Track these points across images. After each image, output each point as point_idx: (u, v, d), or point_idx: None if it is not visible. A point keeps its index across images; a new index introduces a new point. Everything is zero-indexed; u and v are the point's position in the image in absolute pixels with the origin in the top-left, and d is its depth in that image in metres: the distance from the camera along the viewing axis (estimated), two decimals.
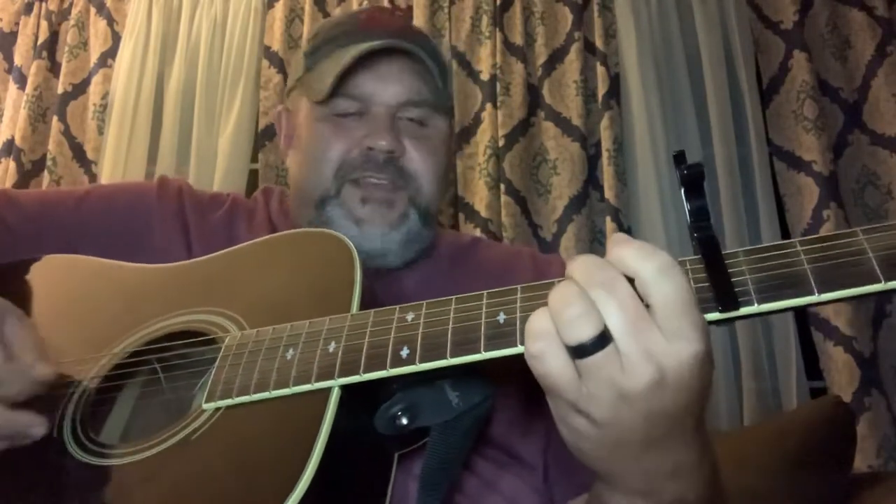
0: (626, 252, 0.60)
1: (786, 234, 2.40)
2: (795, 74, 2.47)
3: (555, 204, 2.46)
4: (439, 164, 1.14)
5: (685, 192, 0.59)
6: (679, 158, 0.60)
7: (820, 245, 0.63)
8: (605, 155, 2.44)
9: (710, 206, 0.60)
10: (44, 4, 2.83)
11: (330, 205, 1.10)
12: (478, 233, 2.41)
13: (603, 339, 0.59)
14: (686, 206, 0.59)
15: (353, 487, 0.76)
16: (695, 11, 2.59)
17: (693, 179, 0.59)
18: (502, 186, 2.44)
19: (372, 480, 0.78)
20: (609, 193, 2.40)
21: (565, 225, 2.42)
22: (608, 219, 2.38)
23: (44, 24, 2.80)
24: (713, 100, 2.49)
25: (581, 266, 0.61)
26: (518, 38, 2.59)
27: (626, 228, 2.37)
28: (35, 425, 0.82)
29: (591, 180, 2.48)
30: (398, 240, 1.09)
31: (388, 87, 1.11)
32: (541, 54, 2.59)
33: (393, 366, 0.72)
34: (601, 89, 2.50)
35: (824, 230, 2.28)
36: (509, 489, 0.98)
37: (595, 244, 2.44)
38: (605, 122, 2.46)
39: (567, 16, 2.60)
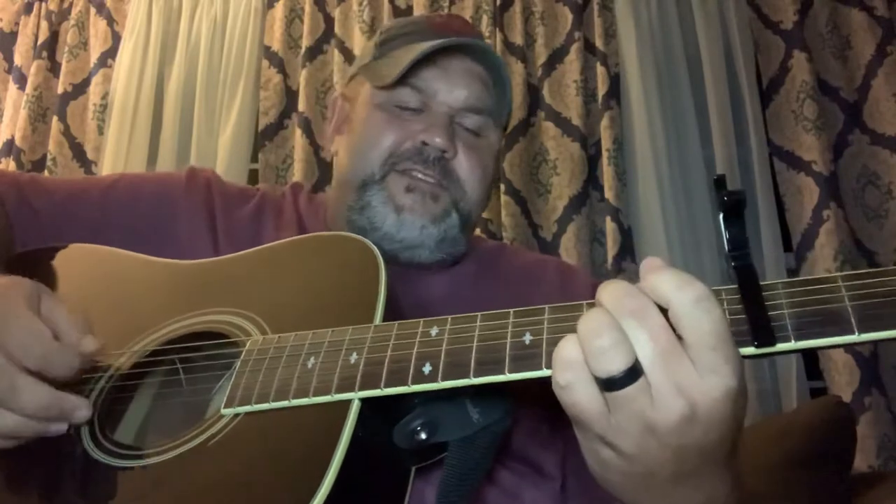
0: (660, 280, 0.58)
1: (786, 234, 2.41)
2: (795, 74, 2.48)
3: (555, 204, 2.47)
4: (486, 176, 1.14)
5: (724, 218, 0.57)
6: (719, 183, 0.58)
7: (862, 281, 0.60)
8: (605, 155, 2.44)
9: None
10: (44, 4, 2.83)
11: (371, 189, 1.09)
12: (477, 233, 2.41)
13: (633, 371, 0.57)
14: (724, 234, 0.57)
15: (369, 500, 0.76)
16: (695, 11, 2.60)
17: (733, 206, 0.57)
18: (502, 186, 2.45)
19: (388, 493, 0.78)
20: (609, 193, 2.40)
21: (565, 225, 2.42)
22: (608, 219, 2.39)
23: (44, 24, 2.80)
24: (713, 100, 2.50)
25: (612, 293, 0.59)
26: (518, 38, 2.60)
27: (626, 228, 2.38)
28: (80, 407, 0.81)
29: (591, 180, 2.49)
30: (435, 235, 1.08)
31: (453, 87, 1.11)
32: (541, 54, 2.59)
33: (415, 382, 0.70)
34: (601, 89, 2.51)
35: (824, 230, 2.30)
36: (531, 500, 0.97)
37: (595, 244, 2.45)
38: (605, 122, 2.46)
39: (567, 16, 2.61)
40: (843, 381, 2.18)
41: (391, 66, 1.10)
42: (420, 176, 1.08)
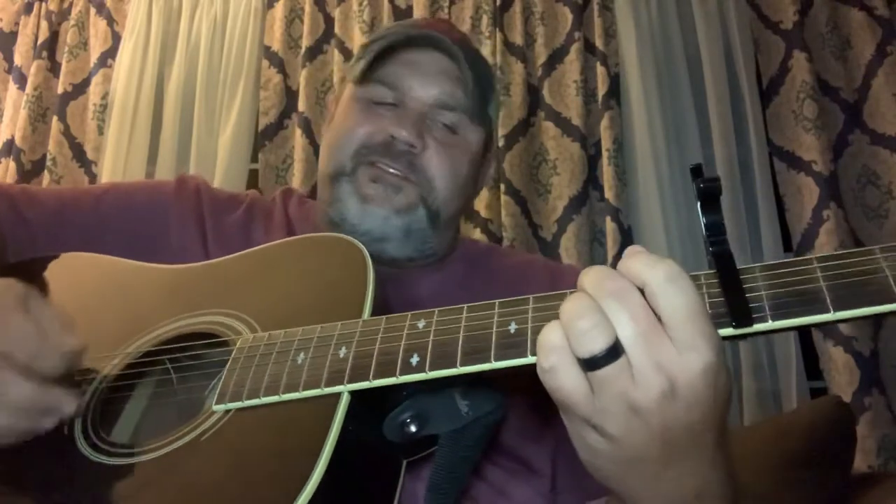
0: (633, 262, 0.60)
1: (786, 234, 2.41)
2: (795, 74, 2.47)
3: (555, 204, 2.47)
4: (458, 173, 1.13)
5: (701, 205, 0.59)
6: (696, 172, 0.59)
7: (837, 262, 0.62)
8: (605, 155, 2.44)
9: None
10: (44, 4, 2.83)
11: (341, 182, 1.10)
12: (478, 233, 2.42)
13: (615, 350, 0.58)
14: (702, 221, 0.59)
15: (360, 493, 0.76)
16: (695, 11, 2.59)
17: (710, 193, 0.58)
18: (502, 186, 2.45)
19: (379, 487, 0.78)
20: (609, 193, 2.40)
21: (565, 225, 2.42)
22: (608, 219, 2.38)
23: (44, 24, 2.80)
24: (713, 100, 2.49)
25: (592, 277, 0.60)
26: (518, 38, 2.59)
27: (626, 228, 2.38)
28: (66, 402, 0.81)
29: (591, 180, 2.48)
30: (399, 227, 1.07)
31: (425, 84, 1.11)
32: (541, 54, 2.59)
33: (403, 373, 0.71)
34: (601, 89, 2.50)
35: (824, 230, 2.29)
36: (520, 496, 0.97)
37: (595, 244, 2.45)
38: (605, 122, 2.46)
39: (567, 16, 2.60)
40: (843, 381, 2.18)
41: (362, 63, 1.12)
42: (388, 169, 1.08)
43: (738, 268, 0.61)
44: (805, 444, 1.67)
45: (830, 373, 2.22)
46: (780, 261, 0.64)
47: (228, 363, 0.83)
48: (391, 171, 1.08)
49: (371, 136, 1.10)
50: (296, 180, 2.50)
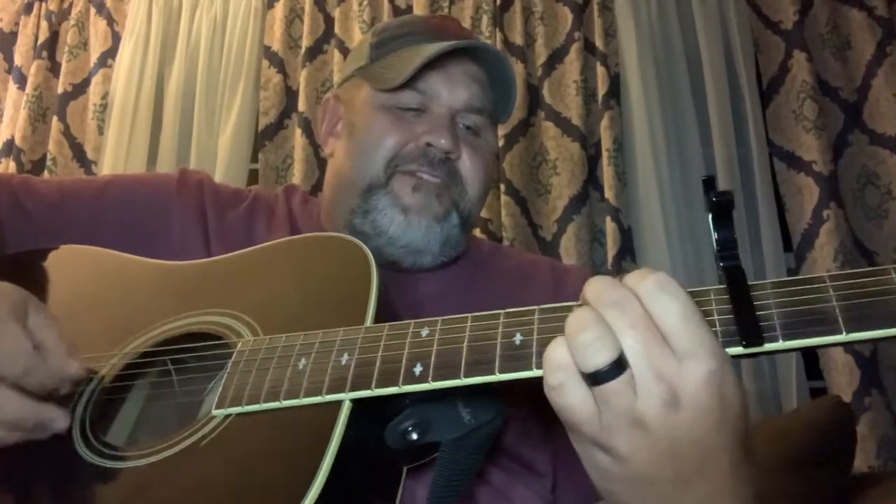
0: (626, 277, 0.60)
1: (786, 234, 2.40)
2: (795, 74, 2.48)
3: (555, 204, 2.47)
4: (487, 176, 1.15)
5: (713, 220, 0.58)
6: (709, 184, 0.58)
7: (850, 282, 0.60)
8: (605, 155, 2.44)
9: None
10: (44, 4, 2.82)
11: (377, 193, 1.09)
12: (477, 233, 2.41)
13: (619, 364, 0.57)
14: (713, 235, 0.58)
15: (360, 500, 0.76)
16: (695, 11, 2.60)
17: (722, 207, 0.58)
18: (502, 186, 2.45)
19: (380, 493, 0.78)
20: (609, 193, 2.40)
21: (565, 225, 2.42)
22: (608, 219, 2.38)
23: (44, 24, 2.79)
24: (713, 100, 2.50)
25: (594, 288, 0.60)
26: (518, 38, 2.60)
27: (626, 228, 2.38)
28: (57, 419, 0.81)
29: (591, 180, 2.49)
30: (439, 237, 1.08)
31: (455, 89, 1.12)
32: (541, 54, 2.59)
33: (405, 382, 0.71)
34: (601, 89, 2.51)
35: (824, 230, 2.29)
36: (521, 498, 0.97)
37: (595, 244, 2.45)
38: (605, 122, 2.46)
39: (567, 16, 2.60)
40: (843, 381, 2.18)
41: (395, 69, 1.11)
42: (426, 177, 1.08)
43: (749, 284, 0.60)
44: (805, 444, 1.66)
45: (830, 373, 2.22)
46: (792, 278, 0.62)
47: (229, 366, 0.82)
48: (434, 179, 1.08)
49: (403, 144, 1.09)
50: (296, 180, 2.50)
